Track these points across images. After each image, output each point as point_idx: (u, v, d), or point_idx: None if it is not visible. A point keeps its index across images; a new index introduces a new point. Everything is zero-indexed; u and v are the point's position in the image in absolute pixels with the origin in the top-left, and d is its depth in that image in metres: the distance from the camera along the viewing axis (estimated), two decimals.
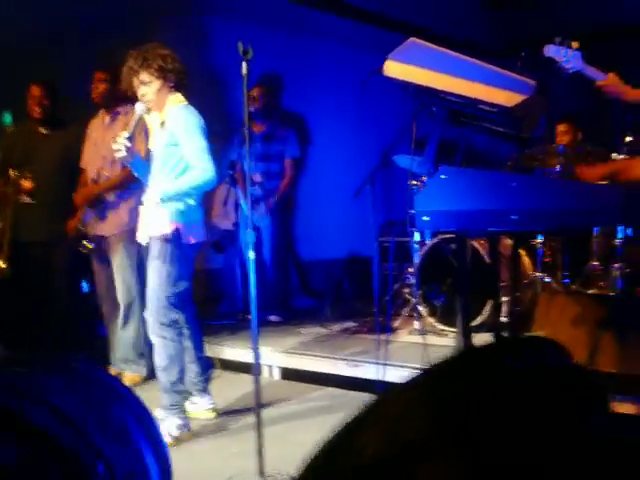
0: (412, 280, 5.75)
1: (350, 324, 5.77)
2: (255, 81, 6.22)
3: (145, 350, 4.94)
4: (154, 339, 3.84)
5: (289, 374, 4.90)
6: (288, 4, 6.84)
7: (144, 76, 3.82)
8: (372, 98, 8.74)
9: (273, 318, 6.16)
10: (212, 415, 4.14)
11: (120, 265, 4.94)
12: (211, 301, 7.20)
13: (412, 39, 3.08)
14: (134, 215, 4.79)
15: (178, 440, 3.74)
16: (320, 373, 4.67)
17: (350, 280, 7.25)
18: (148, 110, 3.91)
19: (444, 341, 4.95)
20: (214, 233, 7.33)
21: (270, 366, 5.02)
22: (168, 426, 3.74)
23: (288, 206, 6.45)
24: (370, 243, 8.28)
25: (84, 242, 4.98)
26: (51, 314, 5.37)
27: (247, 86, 6.09)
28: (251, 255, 3.21)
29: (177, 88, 3.92)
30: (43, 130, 5.38)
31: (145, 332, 4.82)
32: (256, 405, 3.20)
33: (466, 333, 3.40)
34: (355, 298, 6.73)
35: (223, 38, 8.08)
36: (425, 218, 3.27)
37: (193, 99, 4.03)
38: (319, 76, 7.38)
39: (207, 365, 4.28)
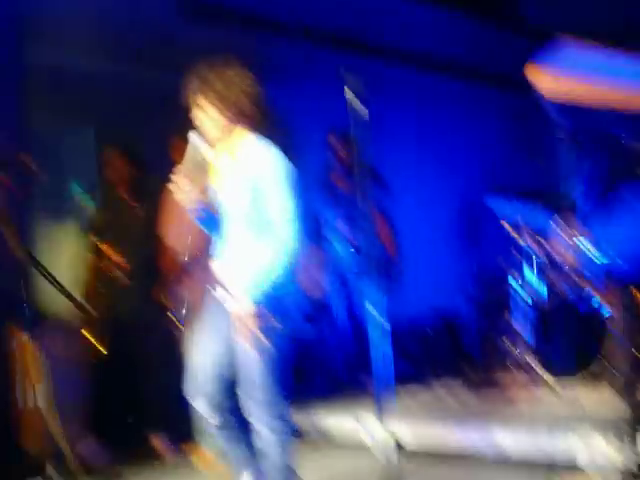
0: (523, 336, 5.34)
1: (451, 383, 5.40)
2: (334, 133, 5.98)
3: None
4: (265, 433, 3.17)
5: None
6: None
7: (202, 101, 3.18)
8: (455, 146, 8.61)
9: (361, 383, 5.79)
10: None
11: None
12: (305, 372, 6.90)
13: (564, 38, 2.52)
14: None
15: None
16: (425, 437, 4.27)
17: (442, 337, 6.93)
18: (206, 141, 3.21)
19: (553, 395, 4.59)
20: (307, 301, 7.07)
21: (373, 434, 4.61)
22: None
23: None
24: (456, 298, 7.98)
25: (179, 315, 4.72)
26: (146, 392, 5.14)
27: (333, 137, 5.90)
28: (373, 311, 2.84)
29: (250, 121, 3.23)
30: (128, 200, 5.20)
31: None
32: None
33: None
34: (450, 355, 6.42)
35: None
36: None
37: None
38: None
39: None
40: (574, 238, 4.76)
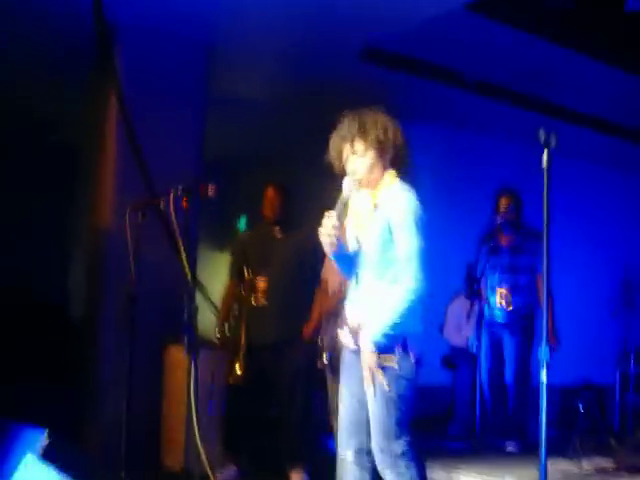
0: None
1: (601, 461, 5.11)
2: (502, 191, 5.92)
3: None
4: (390, 474, 3.13)
5: None
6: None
7: (359, 145, 3.18)
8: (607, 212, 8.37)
9: (510, 447, 5.65)
10: None
11: None
12: (438, 419, 6.81)
13: None
14: None
15: None
16: None
17: (585, 409, 6.62)
18: (356, 187, 3.21)
19: None
20: (445, 348, 7.00)
21: None
22: None
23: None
24: (607, 370, 7.68)
25: (324, 357, 4.76)
26: (278, 422, 5.20)
27: (500, 195, 5.83)
28: (543, 377, 2.77)
29: (395, 165, 3.26)
30: (277, 233, 5.31)
31: None
32: None
33: None
34: (593, 431, 6.08)
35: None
36: None
37: None
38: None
39: None
40: None
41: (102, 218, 5.61)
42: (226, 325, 5.19)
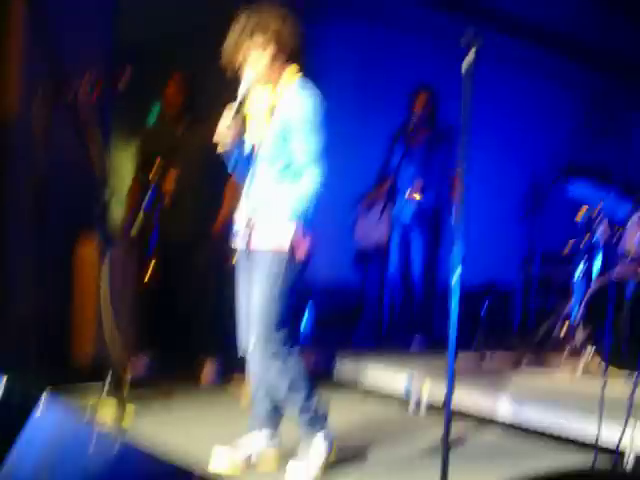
0: (573, 317, 5.29)
1: (502, 358, 5.33)
2: (417, 89, 5.91)
3: None
4: (268, 363, 3.28)
5: (438, 405, 4.52)
6: None
7: (258, 39, 3.20)
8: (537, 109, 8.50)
9: (414, 343, 5.82)
10: (275, 456, 3.45)
11: None
12: (347, 317, 6.94)
13: None
14: None
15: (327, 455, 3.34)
16: (476, 408, 4.26)
17: (493, 309, 6.87)
18: (257, 82, 3.26)
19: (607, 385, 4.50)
20: (355, 248, 7.06)
21: (418, 395, 4.65)
22: (314, 450, 3.31)
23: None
24: (510, 272, 7.93)
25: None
26: (190, 316, 5.21)
27: (414, 92, 5.81)
28: (456, 275, 2.84)
29: (293, 57, 3.30)
30: (181, 127, 5.19)
31: None
32: (444, 444, 2.78)
33: None
34: (495, 328, 6.34)
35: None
36: None
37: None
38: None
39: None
40: None
41: (7, 105, 5.35)
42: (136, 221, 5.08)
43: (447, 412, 2.84)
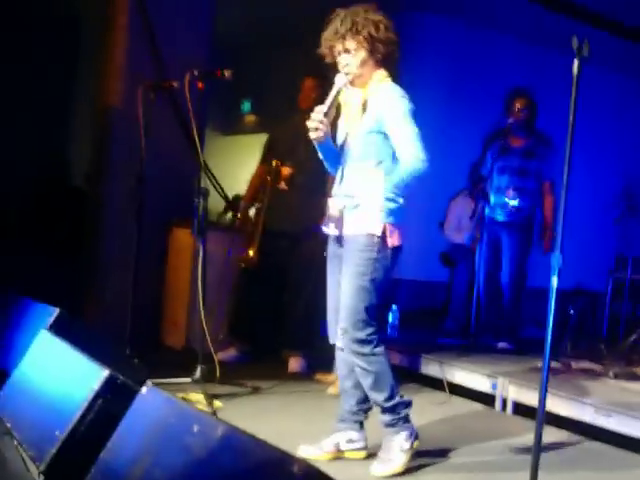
0: None
1: (588, 364, 5.25)
2: (517, 93, 5.86)
3: None
4: (354, 359, 3.31)
5: (523, 410, 4.50)
6: None
7: (350, 43, 3.25)
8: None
9: (502, 345, 5.78)
10: (362, 456, 3.47)
11: None
12: (434, 315, 6.96)
13: None
14: None
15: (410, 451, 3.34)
16: (561, 416, 4.22)
17: (576, 314, 6.76)
18: (348, 84, 3.30)
19: None
20: (444, 245, 7.07)
21: (504, 398, 4.64)
22: (396, 448, 3.31)
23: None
24: (599, 277, 7.79)
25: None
26: (283, 307, 5.30)
27: (515, 96, 5.77)
28: (554, 282, 2.82)
29: (385, 62, 3.34)
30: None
31: None
32: (536, 450, 2.79)
33: None
34: (582, 333, 6.23)
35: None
36: None
37: None
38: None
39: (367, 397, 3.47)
40: None
41: (110, 96, 5.54)
42: (251, 208, 5.21)
43: (539, 418, 2.84)
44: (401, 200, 3.28)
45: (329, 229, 3.39)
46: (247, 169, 5.72)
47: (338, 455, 3.43)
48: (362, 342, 3.25)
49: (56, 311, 3.47)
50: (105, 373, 2.45)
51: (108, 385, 2.43)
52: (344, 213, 3.31)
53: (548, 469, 3.00)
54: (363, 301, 3.23)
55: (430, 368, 5.13)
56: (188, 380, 4.16)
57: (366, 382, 3.31)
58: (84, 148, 5.88)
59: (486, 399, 4.74)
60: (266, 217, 5.14)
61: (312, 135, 3.26)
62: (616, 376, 4.95)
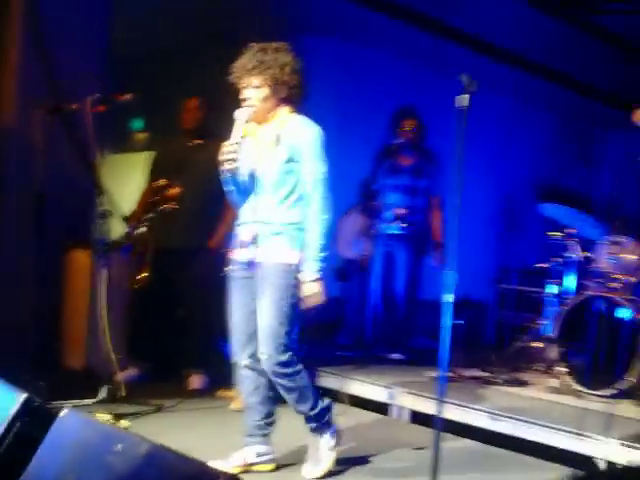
0: (547, 333, 5.51)
1: (478, 372, 5.52)
2: (405, 113, 6.11)
3: None
4: (276, 379, 3.46)
5: (420, 418, 4.70)
6: None
7: (255, 80, 3.43)
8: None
9: (395, 356, 6.01)
10: (271, 468, 3.63)
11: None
12: (327, 328, 7.10)
13: None
14: None
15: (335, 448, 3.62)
16: (453, 421, 4.44)
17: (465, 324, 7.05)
18: (251, 118, 3.47)
19: (581, 403, 4.72)
20: (337, 261, 7.24)
21: (400, 407, 4.84)
22: (323, 449, 3.58)
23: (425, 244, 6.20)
24: (482, 287, 8.15)
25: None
26: (180, 325, 5.36)
27: (403, 116, 6.02)
28: (449, 298, 3.01)
29: (288, 102, 3.52)
30: (195, 141, 5.39)
31: None
32: (435, 453, 2.96)
33: None
34: (471, 344, 6.51)
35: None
36: None
37: None
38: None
39: (272, 412, 3.68)
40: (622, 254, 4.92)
41: (3, 116, 5.45)
42: (139, 227, 5.24)
43: (438, 422, 3.02)
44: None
45: (239, 255, 3.53)
46: (138, 187, 5.75)
47: (247, 468, 3.55)
48: (285, 364, 3.41)
49: None
50: (22, 397, 2.47)
51: (25, 408, 2.46)
52: (259, 240, 3.46)
53: (447, 472, 3.18)
54: (283, 325, 3.39)
55: (327, 381, 5.28)
56: (91, 401, 4.17)
57: (291, 398, 3.50)
58: None
59: (382, 409, 4.93)
60: (156, 236, 5.21)
61: (227, 167, 3.40)
62: (505, 383, 5.24)
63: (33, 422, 2.44)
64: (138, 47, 7.76)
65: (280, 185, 3.46)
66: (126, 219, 5.47)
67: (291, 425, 3.72)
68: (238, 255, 3.55)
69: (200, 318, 5.28)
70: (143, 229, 5.31)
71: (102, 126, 5.14)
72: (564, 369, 5.01)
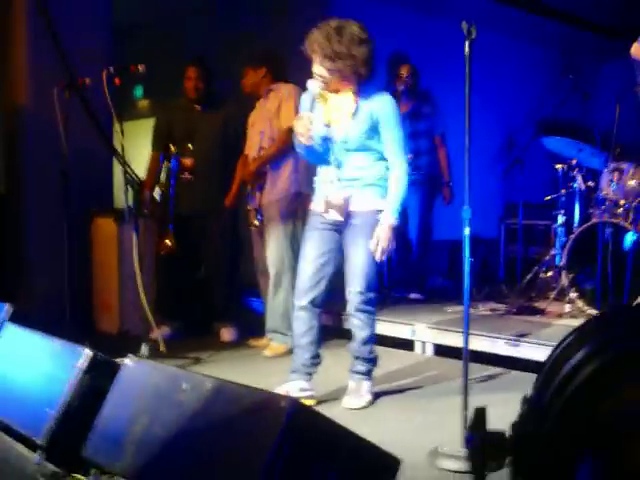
0: (557, 263, 5.71)
1: (494, 305, 5.76)
2: (400, 60, 6.25)
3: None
4: (359, 314, 3.88)
5: (443, 351, 4.95)
6: None
7: (322, 55, 3.69)
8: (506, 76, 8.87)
9: (414, 296, 6.25)
10: (312, 402, 3.87)
11: (274, 231, 5.05)
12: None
13: None
14: (290, 182, 4.96)
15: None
16: (476, 351, 4.68)
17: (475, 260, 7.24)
18: (322, 88, 3.76)
19: None
20: None
21: (424, 342, 5.09)
22: (365, 389, 3.93)
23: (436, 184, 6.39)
24: (491, 225, 8.33)
25: (253, 219, 5.11)
26: (206, 285, 5.60)
27: (398, 63, 6.16)
28: (466, 232, 3.23)
29: (358, 76, 3.78)
30: (200, 109, 5.56)
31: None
32: (464, 383, 3.20)
33: None
34: (484, 280, 6.73)
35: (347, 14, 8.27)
36: None
37: None
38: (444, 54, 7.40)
39: (318, 353, 4.04)
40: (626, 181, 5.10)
41: (18, 96, 5.63)
42: (154, 194, 5.43)
43: (465, 353, 3.25)
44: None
45: (330, 215, 3.85)
46: (144, 153, 5.87)
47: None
48: (369, 302, 3.87)
49: (8, 306, 3.64)
50: (87, 352, 2.72)
51: (91, 362, 2.70)
52: (352, 194, 3.82)
53: (476, 394, 3.42)
54: (372, 266, 3.82)
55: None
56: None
57: (361, 335, 3.91)
58: None
59: (406, 345, 5.18)
60: (174, 202, 5.41)
61: (301, 139, 3.70)
62: (518, 312, 5.48)
63: (100, 374, 2.69)
64: (137, 16, 7.91)
65: (363, 148, 3.83)
66: (141, 185, 5.67)
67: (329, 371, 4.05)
68: (330, 216, 3.86)
69: (224, 275, 5.54)
70: (159, 195, 5.51)
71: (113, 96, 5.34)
72: (575, 294, 5.24)
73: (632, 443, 1.30)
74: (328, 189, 3.86)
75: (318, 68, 3.74)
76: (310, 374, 3.95)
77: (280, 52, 5.35)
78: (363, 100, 3.82)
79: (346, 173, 3.85)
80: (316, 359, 3.97)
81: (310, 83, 3.76)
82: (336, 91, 3.82)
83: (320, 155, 3.88)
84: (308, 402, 3.84)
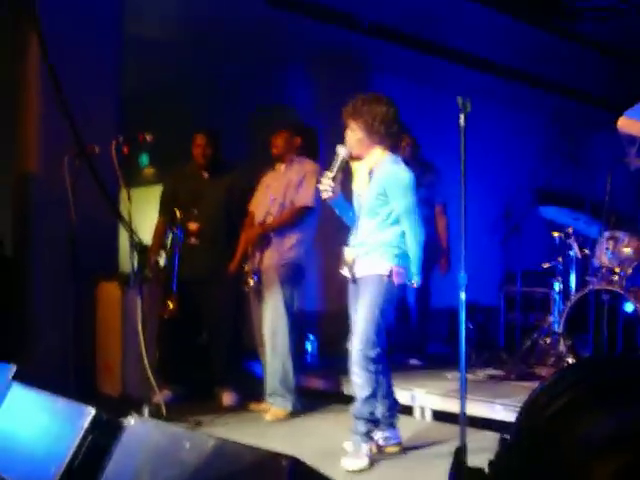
0: (555, 329, 5.79)
1: (493, 371, 5.82)
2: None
3: (293, 385, 5.16)
4: (359, 372, 4.03)
5: (441, 416, 4.99)
6: None
7: (352, 124, 4.10)
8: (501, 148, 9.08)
9: (413, 362, 6.31)
10: (397, 449, 4.28)
11: (271, 296, 5.15)
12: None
13: None
14: (293, 252, 5.06)
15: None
16: (475, 417, 4.72)
17: (475, 328, 7.31)
18: (349, 154, 4.10)
19: None
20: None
21: (422, 408, 5.13)
22: (364, 451, 4.03)
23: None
24: (490, 292, 8.41)
25: (248, 279, 5.21)
26: (208, 350, 5.67)
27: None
28: (462, 297, 3.33)
29: (380, 144, 4.14)
30: (207, 175, 5.70)
31: (293, 367, 5.08)
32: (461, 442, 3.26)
33: None
34: (481, 346, 6.78)
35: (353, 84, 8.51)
36: None
37: None
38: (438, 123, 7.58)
39: (395, 401, 4.40)
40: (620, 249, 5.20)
41: (29, 162, 5.79)
42: (159, 259, 5.53)
43: (462, 418, 3.32)
44: (403, 247, 4.11)
45: (344, 272, 4.21)
46: (151, 219, 5.99)
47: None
48: (370, 360, 4.02)
49: (11, 366, 3.70)
50: (91, 411, 2.78)
51: (95, 421, 2.77)
52: (357, 259, 4.11)
53: (472, 457, 3.46)
54: (374, 324, 4.02)
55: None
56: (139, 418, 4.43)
57: (362, 394, 4.06)
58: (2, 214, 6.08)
59: (406, 411, 5.22)
60: (178, 267, 5.47)
61: (324, 195, 4.02)
62: (517, 378, 5.53)
63: (104, 433, 2.75)
64: (146, 87, 8.13)
65: (374, 213, 4.11)
66: (146, 251, 5.78)
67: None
68: (344, 273, 4.21)
69: (225, 341, 5.61)
70: (164, 260, 5.61)
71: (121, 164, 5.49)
72: (573, 361, 5.29)
73: (599, 470, 1.38)
74: (345, 249, 4.17)
75: (348, 132, 4.10)
76: (392, 423, 4.27)
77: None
78: (377, 168, 4.12)
79: (358, 236, 4.14)
80: (395, 408, 4.34)
81: (339, 148, 4.06)
82: (360, 158, 4.16)
83: (350, 218, 4.23)
84: (393, 449, 4.26)
